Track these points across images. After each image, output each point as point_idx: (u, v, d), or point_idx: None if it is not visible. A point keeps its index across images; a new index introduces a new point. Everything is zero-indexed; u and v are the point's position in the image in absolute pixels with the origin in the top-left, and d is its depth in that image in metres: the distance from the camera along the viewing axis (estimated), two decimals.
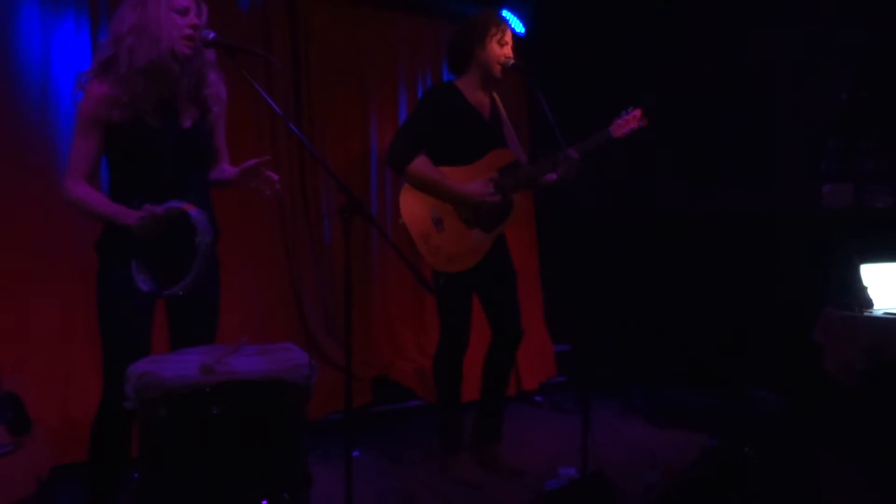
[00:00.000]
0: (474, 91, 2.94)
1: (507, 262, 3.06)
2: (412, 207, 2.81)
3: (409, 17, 4.24)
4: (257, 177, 2.25)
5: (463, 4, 4.27)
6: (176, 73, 2.07)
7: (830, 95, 3.62)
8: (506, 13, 4.16)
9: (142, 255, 2.06)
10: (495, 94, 3.08)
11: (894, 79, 3.42)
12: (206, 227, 1.97)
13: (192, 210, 1.97)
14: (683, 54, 4.24)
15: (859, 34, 3.51)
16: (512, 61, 2.92)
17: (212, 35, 2.07)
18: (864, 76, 3.53)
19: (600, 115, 2.95)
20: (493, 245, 2.94)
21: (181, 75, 2.09)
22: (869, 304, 3.07)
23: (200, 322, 2.26)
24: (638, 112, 2.85)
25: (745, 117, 4.03)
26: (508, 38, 2.91)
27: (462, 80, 2.96)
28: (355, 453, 3.19)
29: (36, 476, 2.27)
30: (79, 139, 2.07)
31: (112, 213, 2.03)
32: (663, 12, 4.32)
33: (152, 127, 2.08)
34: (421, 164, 2.80)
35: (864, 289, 3.09)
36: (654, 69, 4.38)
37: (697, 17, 4.19)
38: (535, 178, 2.94)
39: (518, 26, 4.18)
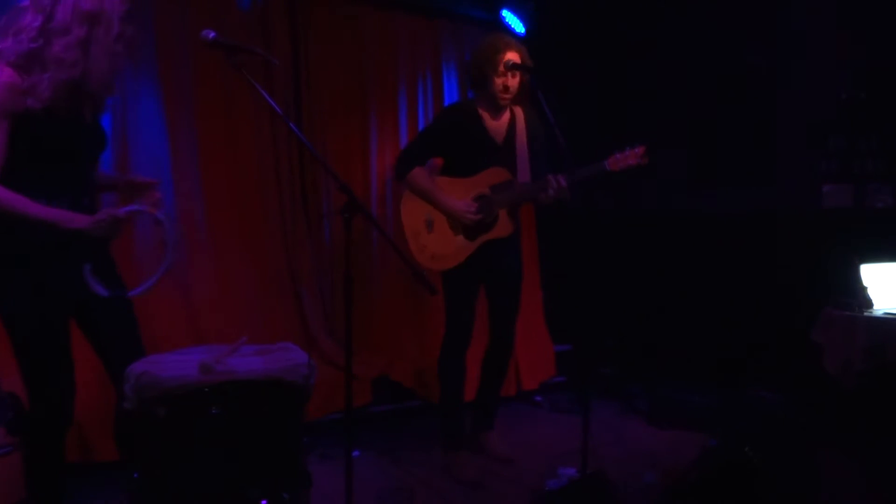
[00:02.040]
0: (490, 111, 3.03)
1: (515, 269, 3.15)
2: (411, 208, 3.04)
3: (409, 17, 4.24)
4: (143, 196, 2.15)
5: (463, 4, 4.27)
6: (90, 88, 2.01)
7: (830, 95, 3.63)
8: (505, 13, 4.16)
9: (64, 261, 1.96)
10: (519, 113, 3.08)
11: (894, 79, 3.42)
12: (173, 229, 2.02)
13: (158, 213, 1.99)
14: (684, 54, 4.25)
15: (859, 34, 3.52)
16: (511, 61, 2.93)
17: (212, 35, 2.05)
18: (864, 76, 3.53)
19: (600, 115, 2.95)
20: (503, 251, 3.05)
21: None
22: (869, 304, 3.07)
23: (119, 329, 2.15)
24: (641, 149, 2.84)
25: (745, 117, 4.03)
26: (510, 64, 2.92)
27: (480, 99, 3.05)
28: (355, 453, 3.19)
29: None
30: None
31: (53, 218, 1.89)
32: (664, 12, 4.32)
33: (64, 119, 1.96)
34: (417, 175, 3.01)
35: (864, 289, 3.10)
36: (654, 69, 4.38)
37: (698, 17, 4.19)
38: (522, 198, 3.03)
39: (518, 26, 4.18)
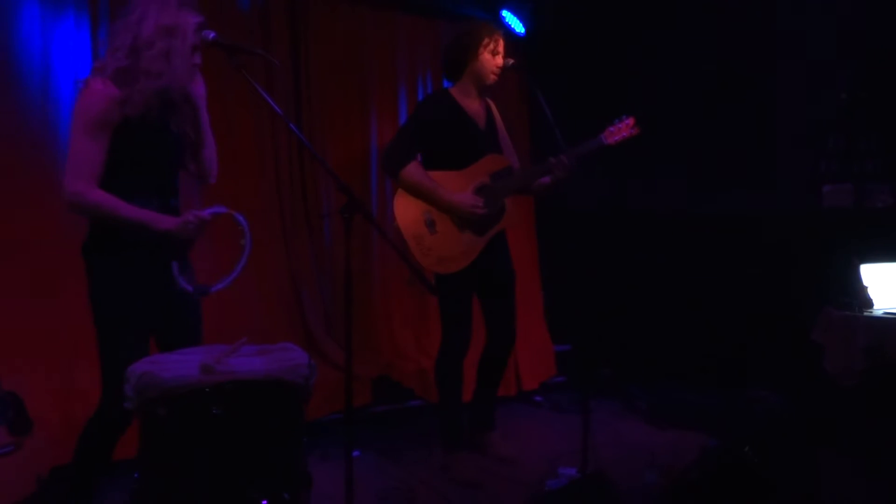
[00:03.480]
0: (469, 98, 3.00)
1: (507, 265, 3.11)
2: (406, 210, 2.89)
3: (409, 17, 4.24)
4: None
5: (463, 4, 4.27)
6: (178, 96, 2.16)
7: (830, 95, 3.62)
8: (505, 13, 4.16)
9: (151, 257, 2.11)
10: (490, 102, 3.12)
11: (894, 79, 3.42)
12: (249, 229, 2.17)
13: (237, 214, 2.15)
14: (683, 54, 4.24)
15: (859, 34, 3.51)
16: (511, 61, 2.93)
17: (212, 35, 2.08)
18: (864, 76, 3.53)
19: (600, 116, 2.95)
20: (493, 247, 2.98)
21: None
22: (869, 304, 3.07)
23: (187, 329, 2.27)
24: (631, 120, 2.89)
25: (745, 117, 4.03)
26: (501, 47, 2.96)
27: (456, 87, 3.02)
28: (355, 453, 3.19)
29: (36, 476, 2.27)
30: (86, 140, 2.02)
31: (146, 219, 2.06)
32: (663, 12, 4.32)
33: (155, 128, 2.11)
34: (413, 170, 2.88)
35: (864, 289, 3.09)
36: (654, 69, 4.38)
37: (697, 16, 4.19)
38: (526, 183, 2.98)
39: (518, 26, 4.18)
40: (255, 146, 3.74)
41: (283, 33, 3.84)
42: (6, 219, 3.06)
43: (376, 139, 4.13)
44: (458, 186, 2.89)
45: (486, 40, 2.92)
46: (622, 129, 2.88)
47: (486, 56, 2.93)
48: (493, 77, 2.96)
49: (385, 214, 4.15)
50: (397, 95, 4.21)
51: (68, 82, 3.21)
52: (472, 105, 3.00)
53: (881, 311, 3.05)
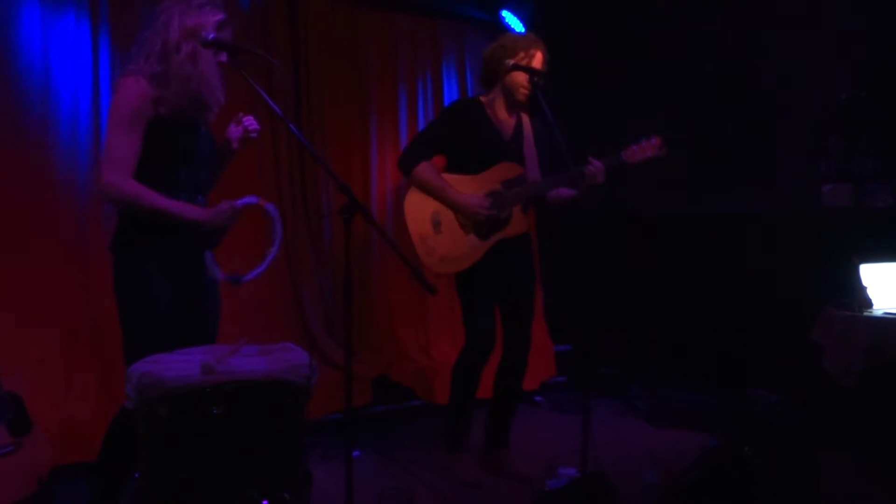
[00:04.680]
0: (497, 108, 2.98)
1: (527, 274, 3.05)
2: (415, 208, 2.89)
3: (409, 17, 4.24)
4: (242, 133, 2.42)
5: (463, 5, 4.27)
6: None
7: (830, 95, 3.63)
8: (505, 13, 4.17)
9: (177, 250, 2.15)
10: (525, 117, 3.07)
11: (894, 79, 3.43)
12: (279, 220, 2.21)
13: (268, 204, 2.19)
14: (683, 54, 4.24)
15: (859, 34, 3.52)
16: (511, 62, 2.92)
17: (211, 35, 2.08)
18: (864, 76, 3.53)
19: (600, 115, 2.95)
20: (511, 255, 2.95)
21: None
22: (868, 304, 3.07)
23: (206, 323, 2.30)
24: (657, 140, 2.79)
25: (745, 117, 4.03)
26: (537, 62, 2.88)
27: (488, 96, 3.01)
28: (355, 453, 3.19)
29: (36, 476, 2.27)
30: (122, 134, 2.06)
31: (179, 209, 2.09)
32: (664, 12, 4.32)
33: (187, 127, 2.17)
34: (424, 168, 2.88)
35: (863, 289, 3.10)
36: (654, 70, 4.38)
37: (698, 16, 4.19)
38: (539, 193, 2.93)
39: (518, 26, 4.18)
40: (255, 146, 3.73)
41: (283, 33, 3.84)
42: (6, 218, 3.06)
43: (376, 139, 4.13)
44: (469, 190, 2.88)
45: (522, 54, 2.85)
46: (646, 149, 2.79)
47: (518, 72, 2.86)
48: (522, 91, 2.89)
49: (385, 215, 4.15)
50: (397, 95, 4.21)
51: (68, 82, 3.22)
52: (501, 115, 2.97)
53: (881, 311, 3.05)
